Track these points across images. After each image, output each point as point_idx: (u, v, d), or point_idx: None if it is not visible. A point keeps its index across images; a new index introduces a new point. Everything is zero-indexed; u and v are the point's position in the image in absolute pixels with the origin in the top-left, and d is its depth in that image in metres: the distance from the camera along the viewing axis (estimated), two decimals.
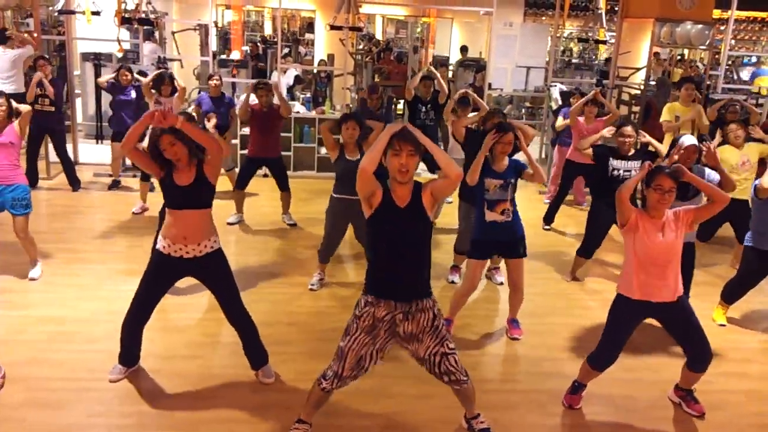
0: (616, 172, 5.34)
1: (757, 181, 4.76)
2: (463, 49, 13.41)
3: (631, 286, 3.63)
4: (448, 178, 3.06)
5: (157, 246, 3.73)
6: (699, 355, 3.73)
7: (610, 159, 5.37)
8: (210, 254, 3.71)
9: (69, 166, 7.75)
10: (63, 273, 5.38)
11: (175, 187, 3.58)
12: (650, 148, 5.60)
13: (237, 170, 7.49)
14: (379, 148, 2.97)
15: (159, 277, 3.77)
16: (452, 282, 5.59)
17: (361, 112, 7.03)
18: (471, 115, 6.45)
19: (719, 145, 6.15)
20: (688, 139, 4.64)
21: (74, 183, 7.74)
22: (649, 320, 3.83)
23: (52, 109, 7.37)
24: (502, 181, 4.44)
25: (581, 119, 7.22)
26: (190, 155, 3.57)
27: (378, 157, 2.98)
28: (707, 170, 4.56)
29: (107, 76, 7.95)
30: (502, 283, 5.66)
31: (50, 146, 7.85)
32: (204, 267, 3.73)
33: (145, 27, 8.76)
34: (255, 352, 3.99)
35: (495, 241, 4.56)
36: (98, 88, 9.01)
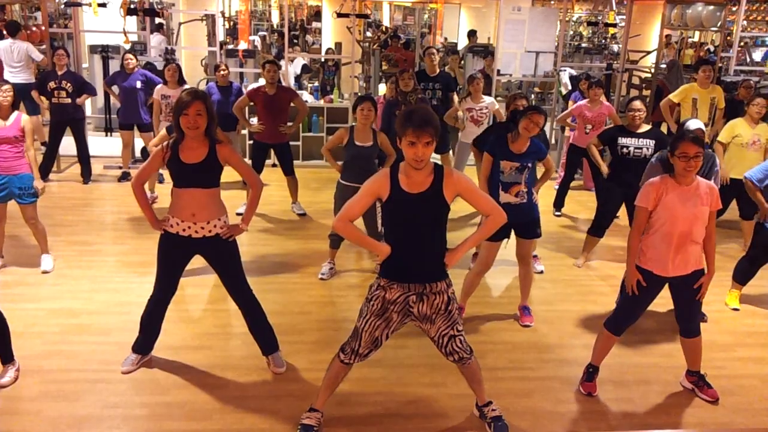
0: (625, 150, 5.31)
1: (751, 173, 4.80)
2: (471, 34, 13.32)
3: (650, 259, 3.62)
4: (493, 216, 3.19)
5: (165, 226, 3.72)
6: (688, 323, 3.80)
7: (619, 138, 5.34)
8: (220, 233, 3.71)
9: (86, 156, 7.79)
10: (75, 265, 5.41)
11: (183, 164, 3.56)
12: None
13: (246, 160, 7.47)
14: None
15: (170, 256, 3.77)
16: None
17: (396, 100, 6.65)
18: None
19: (732, 118, 6.14)
20: (694, 123, 4.62)
21: (86, 174, 7.78)
22: (661, 307, 3.81)
23: (69, 101, 7.44)
24: (519, 164, 4.40)
25: (585, 102, 7.16)
26: (206, 130, 3.56)
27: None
28: (717, 159, 4.63)
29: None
30: (542, 272, 5.65)
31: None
32: (213, 246, 3.73)
33: (151, 17, 8.75)
34: (263, 336, 4.00)
35: (509, 222, 4.49)
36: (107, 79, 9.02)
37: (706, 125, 6.68)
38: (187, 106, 3.46)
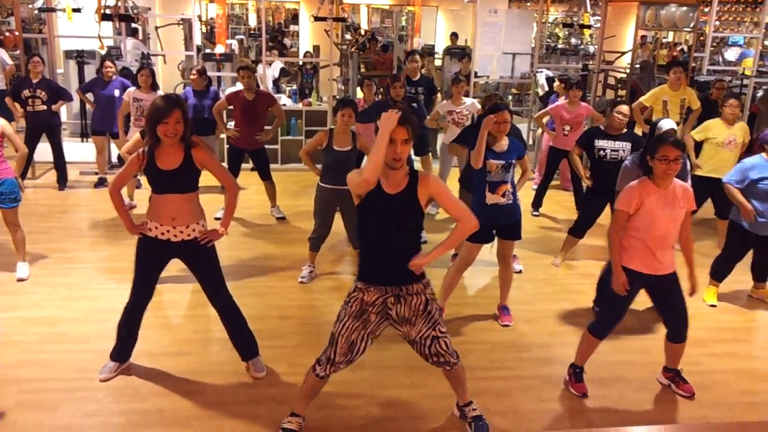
0: (602, 152, 5.35)
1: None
2: (453, 36, 13.39)
3: (631, 257, 3.65)
4: (462, 222, 3.08)
5: (143, 230, 3.70)
6: (676, 327, 3.81)
7: (596, 140, 5.38)
8: (198, 238, 3.69)
9: (62, 163, 7.71)
10: (51, 273, 5.35)
11: (160, 171, 3.55)
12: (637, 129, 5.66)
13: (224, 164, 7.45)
14: (379, 155, 2.86)
15: (148, 260, 3.74)
16: None
17: (385, 103, 6.51)
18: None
19: (708, 118, 6.22)
20: (667, 123, 4.69)
21: (62, 181, 7.70)
22: (637, 305, 3.86)
23: (44, 107, 7.37)
24: (504, 162, 4.43)
25: (563, 100, 7.21)
26: (182, 136, 3.54)
27: (381, 166, 2.89)
28: (686, 159, 4.72)
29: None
30: (520, 272, 5.68)
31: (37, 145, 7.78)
32: (191, 250, 3.71)
33: (126, 23, 8.68)
34: (243, 341, 3.98)
35: (496, 225, 4.53)
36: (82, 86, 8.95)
37: (677, 124, 6.77)
38: (167, 114, 3.43)
